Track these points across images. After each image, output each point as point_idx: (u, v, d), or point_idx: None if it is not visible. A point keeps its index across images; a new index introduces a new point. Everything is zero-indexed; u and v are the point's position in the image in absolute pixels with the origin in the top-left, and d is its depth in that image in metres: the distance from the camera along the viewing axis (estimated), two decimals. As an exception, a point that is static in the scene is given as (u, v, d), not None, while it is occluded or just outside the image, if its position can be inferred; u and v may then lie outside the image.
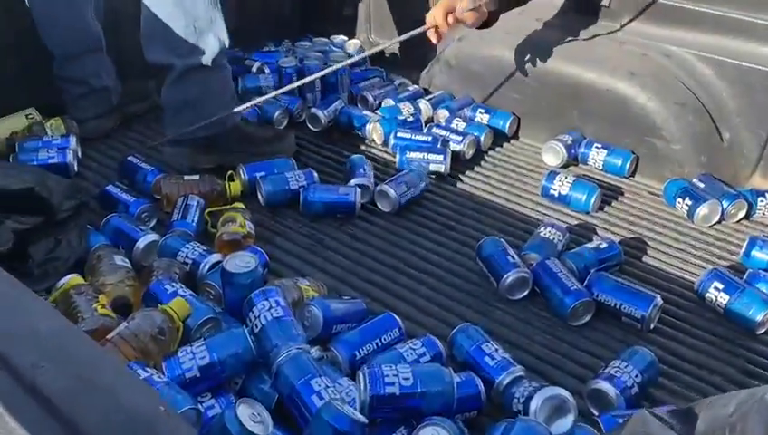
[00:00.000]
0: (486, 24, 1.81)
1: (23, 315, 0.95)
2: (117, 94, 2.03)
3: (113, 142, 2.00)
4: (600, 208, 1.79)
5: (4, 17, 1.89)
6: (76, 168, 1.81)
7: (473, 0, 1.71)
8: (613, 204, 1.82)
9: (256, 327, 1.16)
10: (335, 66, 1.98)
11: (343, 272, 1.53)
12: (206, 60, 1.68)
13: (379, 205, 1.74)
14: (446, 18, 1.72)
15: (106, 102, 2.00)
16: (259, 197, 1.73)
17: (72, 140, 1.82)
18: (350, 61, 2.04)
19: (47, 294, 1.31)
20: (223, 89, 1.79)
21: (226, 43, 1.71)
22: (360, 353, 1.22)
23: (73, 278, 1.30)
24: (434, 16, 1.73)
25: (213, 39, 1.68)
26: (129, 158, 1.81)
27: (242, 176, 1.75)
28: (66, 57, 1.91)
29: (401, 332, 1.29)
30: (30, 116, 1.92)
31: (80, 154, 1.87)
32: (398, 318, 1.30)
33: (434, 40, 1.76)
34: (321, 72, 1.94)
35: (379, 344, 1.25)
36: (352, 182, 1.76)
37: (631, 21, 1.98)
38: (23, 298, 1.01)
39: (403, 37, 1.85)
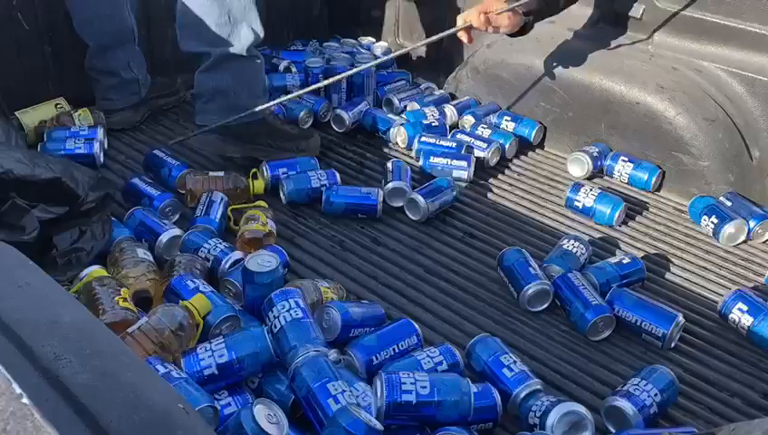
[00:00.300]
0: (521, 31, 1.78)
1: (47, 306, 0.96)
2: (146, 87, 2.05)
3: (140, 135, 2.02)
4: (624, 223, 1.77)
5: (39, 7, 1.91)
6: (102, 159, 1.83)
7: (509, 2, 1.67)
8: (637, 219, 1.80)
9: (275, 327, 1.16)
10: (360, 67, 1.98)
11: (363, 275, 1.53)
12: (240, 49, 1.70)
13: (408, 213, 1.72)
14: (481, 18, 1.67)
15: (135, 95, 2.02)
16: (281, 195, 1.73)
17: (100, 132, 1.84)
18: (376, 62, 2.04)
19: (70, 284, 1.32)
20: (255, 79, 1.80)
21: (261, 34, 1.73)
22: (377, 359, 1.22)
23: (96, 270, 1.31)
24: (468, 16, 1.70)
25: (246, 29, 1.70)
26: (155, 151, 1.82)
27: (265, 173, 1.76)
28: (99, 48, 1.93)
29: (419, 338, 1.28)
30: (59, 106, 1.94)
31: (106, 146, 1.89)
32: (416, 325, 1.30)
33: (465, 40, 1.73)
34: (347, 73, 1.95)
35: (397, 350, 1.24)
36: (390, 185, 1.75)
37: (663, 34, 1.96)
38: (47, 288, 1.02)
39: (435, 38, 1.83)
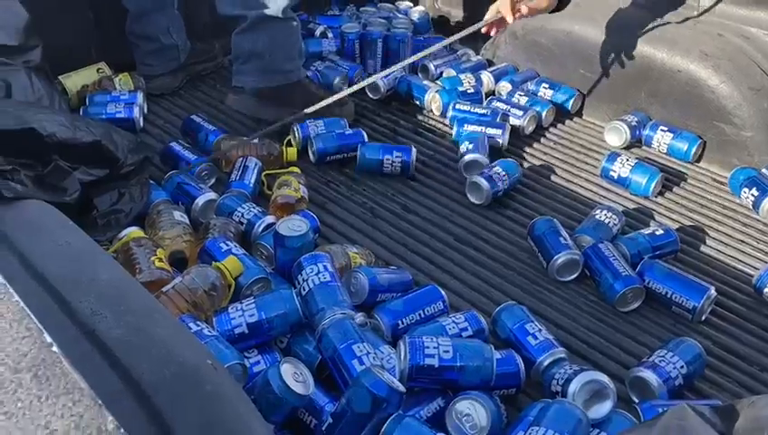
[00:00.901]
0: (558, 6, 1.74)
1: (86, 264, 1.01)
2: (185, 53, 2.07)
3: (179, 100, 2.05)
4: (661, 194, 1.74)
5: (81, -27, 1.95)
6: (142, 123, 1.87)
7: None
8: (675, 190, 1.77)
9: (304, 290, 1.19)
10: (423, 53, 1.90)
11: (393, 242, 1.55)
12: (275, 11, 1.72)
13: (469, 196, 1.69)
14: (514, 9, 1.64)
15: (174, 60, 2.05)
16: (310, 154, 1.75)
17: (140, 96, 1.88)
18: (430, 50, 1.90)
19: (109, 244, 1.37)
20: (290, 41, 1.82)
21: None
22: (402, 323, 1.24)
23: (134, 231, 1.36)
24: (499, 7, 1.65)
25: None
26: (192, 117, 1.86)
27: (296, 133, 1.78)
28: (139, 13, 1.96)
29: (445, 305, 1.30)
30: (100, 70, 1.99)
31: (146, 110, 1.93)
32: (442, 291, 1.31)
33: (491, 32, 1.72)
34: (410, 59, 1.87)
35: (423, 316, 1.26)
36: (468, 157, 1.73)
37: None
38: (86, 247, 1.06)
39: (468, 30, 1.76)
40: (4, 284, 0.54)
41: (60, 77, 1.91)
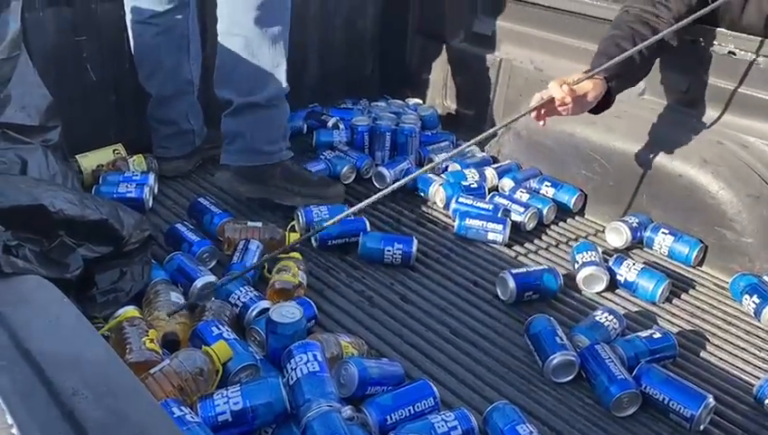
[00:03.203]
0: (605, 103, 1.66)
1: (73, 341, 1.02)
2: (200, 138, 2.15)
3: (190, 183, 2.11)
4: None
5: (106, 60, 2.05)
6: (151, 204, 1.91)
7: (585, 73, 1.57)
8: (676, 294, 1.76)
9: (292, 379, 1.18)
10: (450, 154, 1.99)
11: (388, 332, 1.54)
12: (263, 99, 1.83)
13: (499, 291, 1.68)
14: (564, 90, 1.54)
15: (189, 144, 2.13)
16: (312, 239, 1.79)
17: (151, 178, 1.94)
18: (460, 150, 1.92)
19: (105, 321, 1.38)
20: (273, 125, 1.92)
21: (283, 86, 1.85)
22: (391, 418, 1.22)
23: (129, 310, 1.37)
24: (547, 92, 1.55)
25: (273, 81, 1.83)
26: (199, 199, 1.90)
27: (300, 219, 1.83)
28: (160, 99, 2.05)
29: (436, 401, 1.27)
30: (116, 151, 2.06)
31: (156, 191, 1.98)
32: (434, 387, 1.29)
33: (540, 123, 1.62)
34: (436, 162, 1.89)
35: (412, 411, 1.24)
36: (588, 270, 1.72)
37: (708, 108, 1.94)
38: (76, 325, 1.07)
39: (514, 118, 1.80)
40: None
41: (77, 156, 1.98)
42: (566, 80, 1.57)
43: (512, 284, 1.64)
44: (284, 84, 1.85)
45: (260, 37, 1.78)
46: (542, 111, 1.61)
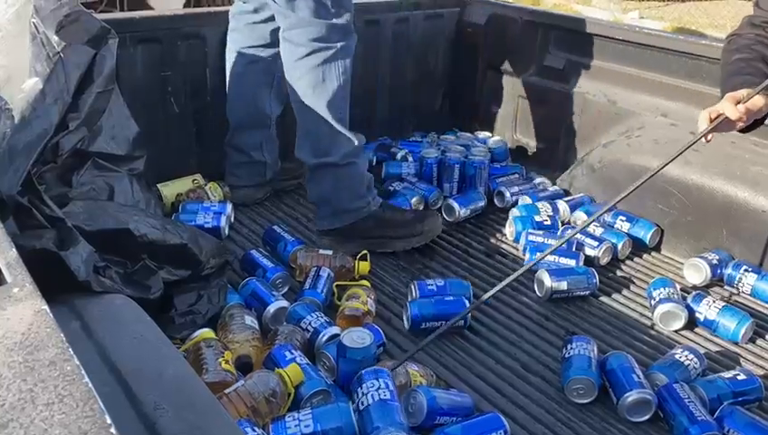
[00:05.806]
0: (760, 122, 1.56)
1: (155, 359, 1.05)
2: (273, 170, 2.20)
3: (264, 212, 2.17)
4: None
5: (188, 94, 2.15)
6: (227, 232, 1.98)
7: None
8: (759, 334, 1.67)
9: (362, 405, 1.19)
10: (596, 215, 1.91)
11: (457, 364, 1.52)
12: (336, 159, 1.83)
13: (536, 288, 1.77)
14: (740, 109, 1.44)
15: (259, 175, 2.18)
16: (404, 320, 1.64)
17: (228, 207, 2.00)
18: (603, 211, 1.77)
19: (182, 342, 1.42)
20: (354, 182, 1.90)
21: (356, 142, 1.84)
22: (460, 450, 1.20)
23: (206, 332, 1.40)
24: (717, 110, 1.45)
25: (346, 138, 1.83)
26: (273, 227, 1.95)
27: (413, 292, 1.72)
28: (237, 126, 2.13)
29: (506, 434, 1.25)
30: (195, 181, 2.15)
31: (232, 219, 2.04)
32: (504, 420, 1.27)
33: (707, 138, 1.49)
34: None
35: (482, 444, 1.22)
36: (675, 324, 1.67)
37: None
38: (158, 343, 1.11)
39: (692, 142, 1.50)
40: (79, 366, 0.58)
41: (158, 185, 2.07)
42: (736, 96, 1.47)
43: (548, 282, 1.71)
44: (355, 139, 1.85)
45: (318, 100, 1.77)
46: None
